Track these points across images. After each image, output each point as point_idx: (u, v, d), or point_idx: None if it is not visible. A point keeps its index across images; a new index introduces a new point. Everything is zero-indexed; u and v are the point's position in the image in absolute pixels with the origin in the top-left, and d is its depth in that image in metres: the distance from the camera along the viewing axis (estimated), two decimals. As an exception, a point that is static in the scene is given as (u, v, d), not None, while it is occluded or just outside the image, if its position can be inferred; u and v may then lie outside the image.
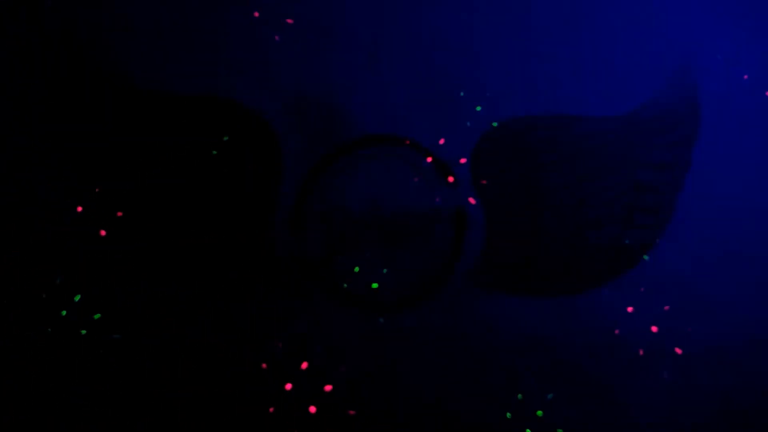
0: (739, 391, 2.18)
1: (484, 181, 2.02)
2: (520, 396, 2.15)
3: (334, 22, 2.27)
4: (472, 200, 2.08)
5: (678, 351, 2.17)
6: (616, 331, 2.20)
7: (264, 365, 2.11)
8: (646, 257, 2.17)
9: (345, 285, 2.20)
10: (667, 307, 2.21)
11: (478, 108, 2.17)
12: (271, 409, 2.11)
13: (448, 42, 2.25)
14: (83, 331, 2.12)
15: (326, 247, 2.21)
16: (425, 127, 2.25)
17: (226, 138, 2.06)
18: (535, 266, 2.22)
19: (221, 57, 2.24)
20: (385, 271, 2.20)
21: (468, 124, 2.22)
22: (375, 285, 2.14)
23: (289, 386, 2.14)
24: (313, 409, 2.12)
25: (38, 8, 2.21)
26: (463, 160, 2.22)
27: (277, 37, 2.25)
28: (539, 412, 2.14)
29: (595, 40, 2.26)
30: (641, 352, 2.19)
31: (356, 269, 2.15)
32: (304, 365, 2.14)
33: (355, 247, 2.21)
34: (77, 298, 2.10)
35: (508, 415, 2.17)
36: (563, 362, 2.19)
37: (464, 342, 2.19)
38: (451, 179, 2.18)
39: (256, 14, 2.25)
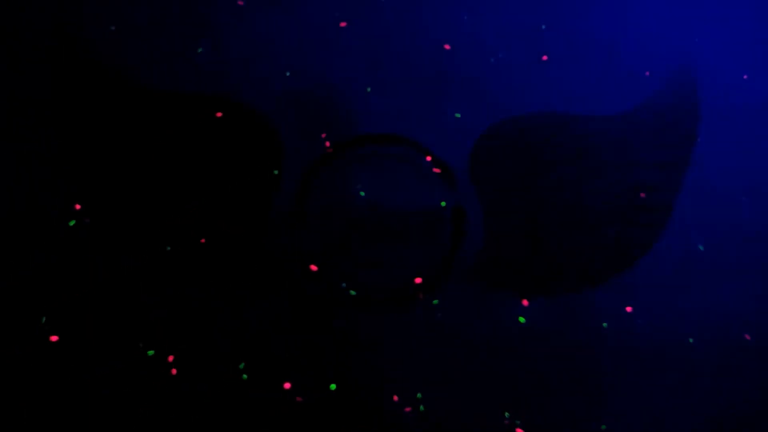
0: (741, 392, 2.18)
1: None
2: (507, 414, 2.16)
3: (333, 21, 2.27)
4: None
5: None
6: (615, 331, 2.21)
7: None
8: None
9: (344, 284, 2.20)
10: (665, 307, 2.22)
11: (457, 114, 2.18)
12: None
13: (448, 42, 2.25)
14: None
15: (325, 246, 2.21)
16: (425, 127, 2.25)
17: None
18: (534, 266, 2.22)
19: (220, 55, 2.24)
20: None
21: (458, 115, 2.22)
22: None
23: (287, 385, 2.14)
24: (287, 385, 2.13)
25: (34, 8, 2.21)
26: (428, 158, 2.22)
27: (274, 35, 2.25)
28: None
29: (595, 40, 2.26)
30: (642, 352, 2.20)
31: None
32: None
33: (354, 246, 2.21)
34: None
35: (507, 414, 2.17)
36: (562, 362, 2.19)
37: (462, 341, 2.19)
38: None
39: (256, 13, 2.25)
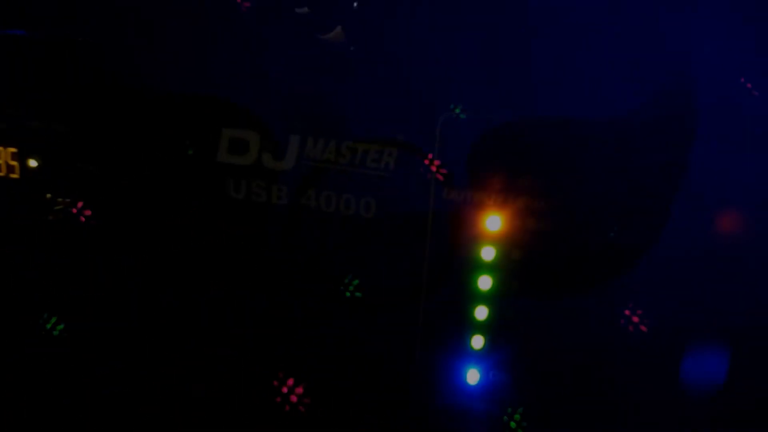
0: (738, 390, 2.19)
1: None
2: (505, 417, 2.16)
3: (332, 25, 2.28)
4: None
5: None
6: (614, 331, 2.21)
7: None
8: None
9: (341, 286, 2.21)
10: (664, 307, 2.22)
11: None
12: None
13: (449, 44, 2.26)
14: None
15: (321, 248, 2.21)
16: (423, 128, 2.25)
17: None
18: (534, 266, 2.22)
19: (219, 57, 2.25)
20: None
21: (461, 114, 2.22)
22: None
23: (284, 389, 2.15)
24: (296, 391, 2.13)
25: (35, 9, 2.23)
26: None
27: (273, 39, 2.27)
28: None
29: (595, 43, 2.27)
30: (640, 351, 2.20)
31: None
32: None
33: (350, 248, 2.22)
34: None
35: (505, 418, 2.18)
36: (561, 362, 2.19)
37: (461, 341, 2.20)
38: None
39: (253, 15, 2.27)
